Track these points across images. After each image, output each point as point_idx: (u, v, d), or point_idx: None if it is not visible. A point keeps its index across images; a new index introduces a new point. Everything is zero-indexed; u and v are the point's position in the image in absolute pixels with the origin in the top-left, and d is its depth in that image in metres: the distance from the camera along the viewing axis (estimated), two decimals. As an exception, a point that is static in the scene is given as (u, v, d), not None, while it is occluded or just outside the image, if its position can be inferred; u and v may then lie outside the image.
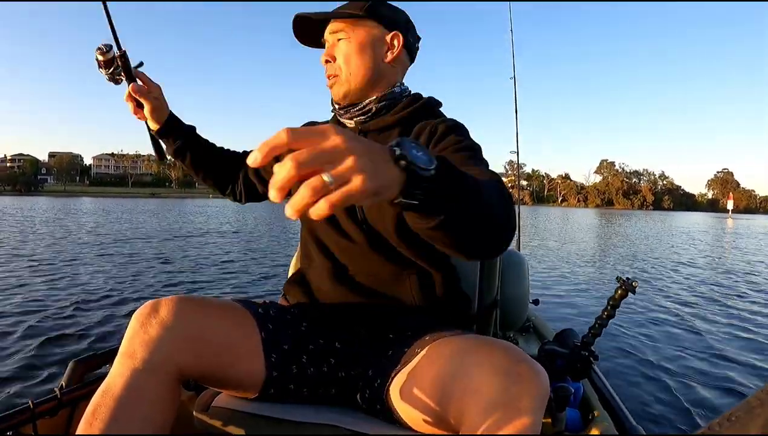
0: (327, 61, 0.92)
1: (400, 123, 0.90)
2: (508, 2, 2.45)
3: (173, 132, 1.02)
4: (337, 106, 0.95)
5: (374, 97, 0.91)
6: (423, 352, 0.75)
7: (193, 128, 1.06)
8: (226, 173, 1.10)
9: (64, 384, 0.94)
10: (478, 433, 0.59)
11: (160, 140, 1.03)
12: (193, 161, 1.05)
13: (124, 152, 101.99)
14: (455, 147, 0.79)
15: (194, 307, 0.79)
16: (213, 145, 1.09)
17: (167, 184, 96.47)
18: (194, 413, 0.84)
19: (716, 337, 3.42)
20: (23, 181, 77.55)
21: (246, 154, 1.11)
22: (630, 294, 0.88)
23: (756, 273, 7.07)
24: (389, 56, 0.92)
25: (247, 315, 0.84)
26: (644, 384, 2.48)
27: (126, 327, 0.75)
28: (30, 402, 0.86)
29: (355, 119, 0.93)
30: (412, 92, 0.96)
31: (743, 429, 0.24)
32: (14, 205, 28.65)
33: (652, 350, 3.05)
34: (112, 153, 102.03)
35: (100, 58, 0.90)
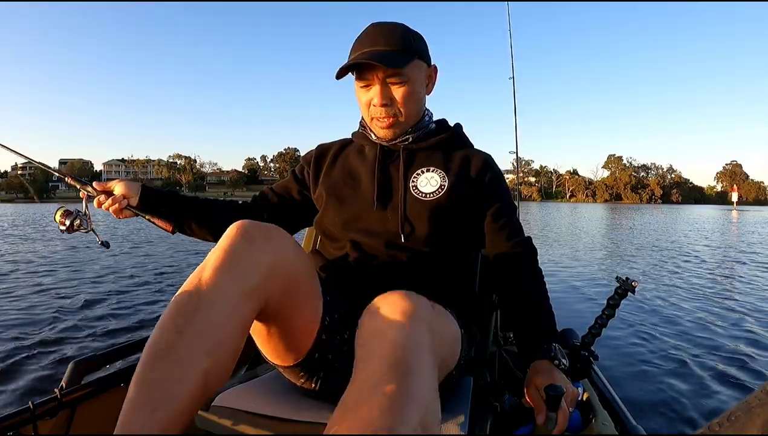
0: (384, 104, 0.92)
1: (440, 146, 0.99)
2: (507, 2, 2.43)
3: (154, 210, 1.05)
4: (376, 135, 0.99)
5: (410, 129, 0.97)
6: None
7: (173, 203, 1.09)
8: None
9: (64, 385, 0.94)
10: None
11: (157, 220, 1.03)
12: (192, 228, 1.09)
13: (135, 157, 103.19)
14: (502, 208, 0.99)
15: (294, 243, 0.75)
16: (208, 209, 1.10)
17: (178, 188, 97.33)
18: None
19: (717, 336, 3.36)
20: (36, 188, 78.77)
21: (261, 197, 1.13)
22: (630, 294, 0.87)
23: (755, 270, 6.94)
24: (429, 89, 0.99)
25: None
26: (644, 384, 2.45)
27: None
28: (30, 403, 0.86)
29: (393, 142, 0.98)
30: (433, 116, 1.03)
31: (743, 429, 0.24)
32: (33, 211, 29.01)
33: (652, 349, 3.02)
34: (123, 159, 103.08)
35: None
